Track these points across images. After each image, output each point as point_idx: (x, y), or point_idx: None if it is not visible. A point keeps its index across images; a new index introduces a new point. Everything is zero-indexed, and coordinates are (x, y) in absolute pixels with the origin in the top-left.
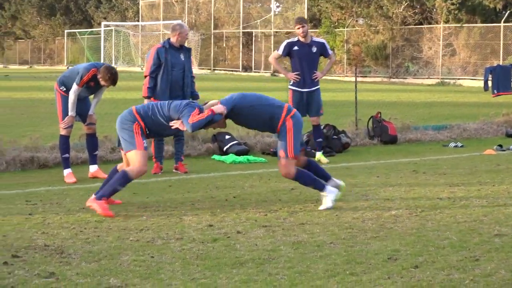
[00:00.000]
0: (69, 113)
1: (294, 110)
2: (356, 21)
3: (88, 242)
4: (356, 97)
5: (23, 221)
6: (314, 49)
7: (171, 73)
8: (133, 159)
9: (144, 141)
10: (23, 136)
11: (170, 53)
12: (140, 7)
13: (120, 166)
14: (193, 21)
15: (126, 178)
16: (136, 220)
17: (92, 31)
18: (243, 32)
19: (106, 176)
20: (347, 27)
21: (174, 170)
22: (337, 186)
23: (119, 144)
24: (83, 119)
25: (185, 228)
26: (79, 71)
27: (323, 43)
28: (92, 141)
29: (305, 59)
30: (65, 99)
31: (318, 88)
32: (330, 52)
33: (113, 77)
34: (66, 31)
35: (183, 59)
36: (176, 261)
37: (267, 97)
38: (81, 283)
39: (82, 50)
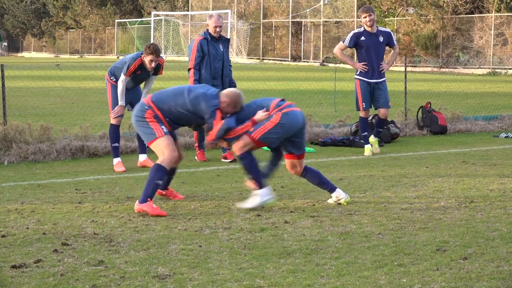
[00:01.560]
0: (119, 103)
1: (286, 106)
2: (406, 10)
3: (136, 231)
4: (405, 87)
5: (73, 210)
6: (381, 39)
7: (212, 65)
8: (158, 149)
9: (163, 127)
10: (74, 125)
11: (211, 44)
12: None
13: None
14: (242, 10)
15: (161, 170)
16: (185, 209)
17: (142, 20)
18: (292, 21)
19: None
20: (397, 17)
21: (222, 160)
22: (341, 199)
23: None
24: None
25: (233, 217)
26: (126, 61)
27: (389, 33)
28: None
29: (372, 49)
30: (115, 89)
31: (385, 80)
32: (395, 42)
33: (153, 47)
34: (116, 20)
35: (222, 49)
36: (224, 250)
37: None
38: (129, 271)
39: (132, 39)
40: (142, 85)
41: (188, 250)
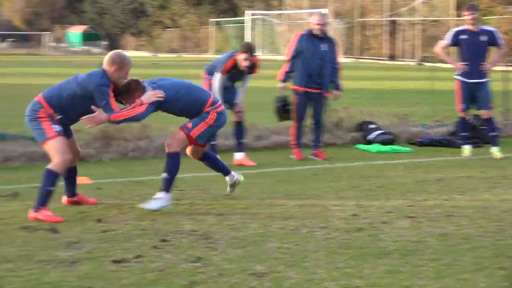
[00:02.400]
0: None
1: (220, 104)
2: (505, 8)
3: (234, 229)
4: (505, 87)
5: (171, 207)
6: (483, 38)
7: (309, 61)
8: (50, 151)
9: (55, 126)
10: (171, 123)
11: (311, 42)
12: None
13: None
14: (338, 9)
15: (52, 176)
16: (281, 208)
17: (237, 20)
18: (388, 20)
19: (252, 163)
20: (496, 15)
21: (310, 156)
22: (236, 181)
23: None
24: (230, 107)
25: (329, 217)
26: (221, 60)
27: (493, 32)
28: (239, 128)
29: (473, 48)
30: (211, 87)
31: (487, 81)
32: (501, 41)
33: (247, 45)
34: (212, 20)
35: (323, 48)
36: (320, 249)
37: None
38: (226, 268)
39: (228, 38)
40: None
41: (285, 248)
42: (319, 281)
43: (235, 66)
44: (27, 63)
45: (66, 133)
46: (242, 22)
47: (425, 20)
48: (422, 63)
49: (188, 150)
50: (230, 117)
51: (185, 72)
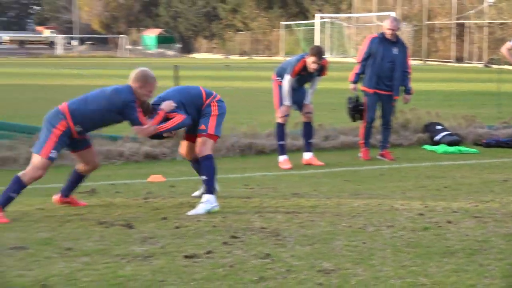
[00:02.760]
0: (284, 103)
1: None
2: None
3: (302, 226)
4: None
5: (242, 204)
6: None
7: (380, 64)
8: (34, 162)
9: (54, 151)
10: (242, 123)
11: (383, 45)
12: None
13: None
14: (406, 12)
15: (19, 184)
16: (349, 207)
17: (307, 23)
18: (456, 23)
19: (320, 163)
20: None
21: (378, 157)
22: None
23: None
24: (300, 108)
25: (396, 216)
26: (291, 62)
27: None
28: (308, 129)
29: None
30: (281, 89)
31: None
32: None
33: (316, 49)
34: (282, 23)
35: (395, 52)
36: (387, 248)
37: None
38: (295, 265)
39: (298, 41)
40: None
41: (352, 246)
42: (386, 278)
43: (304, 68)
44: (103, 65)
45: (83, 143)
46: (312, 25)
47: (492, 22)
48: (489, 65)
49: (184, 150)
50: (299, 117)
51: (256, 73)
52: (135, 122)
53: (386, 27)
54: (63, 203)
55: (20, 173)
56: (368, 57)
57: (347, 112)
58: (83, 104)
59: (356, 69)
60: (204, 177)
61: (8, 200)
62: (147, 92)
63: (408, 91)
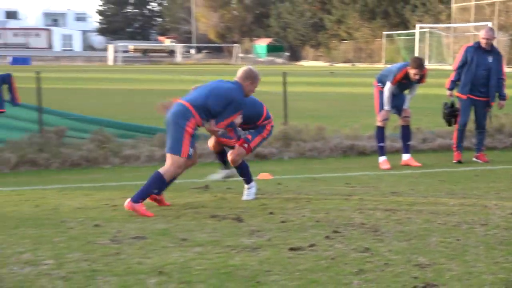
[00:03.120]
0: (385, 108)
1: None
2: None
3: (399, 223)
4: None
5: (343, 201)
6: None
7: (475, 72)
8: (173, 162)
9: (191, 148)
10: (345, 126)
11: (478, 53)
12: (452, 10)
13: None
14: (503, 22)
15: (161, 182)
16: (444, 206)
17: (407, 32)
18: None
19: (417, 164)
20: None
21: (474, 159)
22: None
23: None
24: (399, 112)
25: (489, 215)
26: (392, 70)
27: None
28: (406, 132)
29: None
30: (382, 95)
31: None
32: None
33: (418, 61)
34: (384, 33)
35: (490, 60)
36: (480, 245)
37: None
38: (392, 259)
39: (398, 50)
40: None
41: (447, 243)
42: (478, 274)
43: (405, 76)
44: (218, 72)
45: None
46: (412, 34)
47: None
48: None
49: (212, 143)
50: (398, 121)
51: (359, 80)
52: (221, 119)
53: (481, 36)
54: (152, 199)
55: (161, 171)
56: (463, 64)
57: (443, 117)
58: (204, 101)
59: (452, 76)
60: (243, 176)
61: (148, 195)
62: (254, 89)
63: (503, 97)
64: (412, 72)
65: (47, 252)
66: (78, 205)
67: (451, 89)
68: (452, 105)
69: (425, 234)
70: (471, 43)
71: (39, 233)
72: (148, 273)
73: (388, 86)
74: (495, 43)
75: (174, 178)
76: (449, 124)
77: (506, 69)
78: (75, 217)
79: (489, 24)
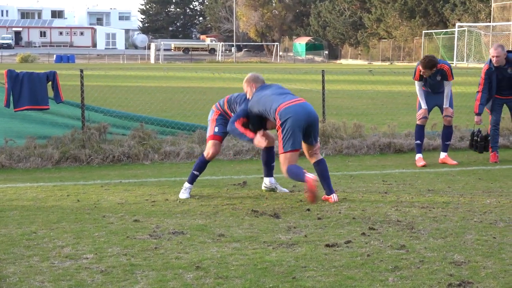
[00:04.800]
0: (422, 106)
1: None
2: None
3: (436, 220)
4: None
5: (380, 199)
6: None
7: (499, 85)
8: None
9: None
10: (383, 124)
11: (497, 71)
12: (492, 9)
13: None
14: None
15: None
16: (481, 204)
17: (446, 31)
18: None
19: (454, 162)
20: None
21: None
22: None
23: None
24: (441, 110)
25: None
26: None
27: None
28: (446, 131)
29: None
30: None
31: None
32: None
33: (425, 58)
34: (423, 31)
35: (510, 72)
36: None
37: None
38: (428, 256)
39: (437, 48)
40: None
41: (483, 240)
42: None
43: (421, 75)
44: (259, 70)
45: None
46: (451, 33)
47: None
48: None
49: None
50: (436, 119)
51: (396, 78)
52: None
53: (491, 54)
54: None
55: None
56: (488, 86)
57: (472, 146)
58: None
59: (479, 99)
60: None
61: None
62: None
63: None
64: (421, 70)
65: (87, 246)
66: (118, 201)
67: (479, 114)
68: (480, 132)
69: (461, 231)
70: (487, 66)
71: (80, 227)
72: (186, 268)
73: (416, 84)
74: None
75: None
76: (481, 152)
77: None
78: (115, 212)
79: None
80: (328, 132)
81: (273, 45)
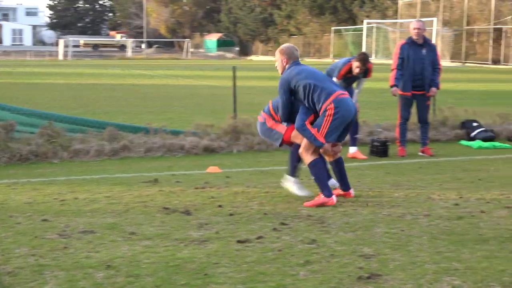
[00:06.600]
0: None
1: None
2: None
3: (345, 214)
4: None
5: (291, 194)
6: None
7: (412, 68)
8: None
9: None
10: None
11: (412, 49)
12: (399, 6)
13: None
14: (447, 18)
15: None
16: (389, 197)
17: (355, 28)
18: (493, 28)
19: (363, 157)
20: None
21: (420, 154)
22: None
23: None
24: None
25: (433, 206)
26: (338, 66)
27: None
28: (353, 126)
29: None
30: None
31: None
32: None
33: (361, 56)
34: (333, 28)
35: (424, 53)
36: (423, 235)
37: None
38: (338, 250)
39: (346, 45)
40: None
41: (391, 233)
42: (422, 263)
43: (350, 71)
44: (169, 66)
45: None
46: (359, 30)
47: None
48: None
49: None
50: None
51: None
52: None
53: (412, 27)
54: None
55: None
56: (402, 62)
57: (372, 152)
58: None
59: (393, 74)
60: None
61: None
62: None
63: (435, 85)
64: (355, 65)
65: None
66: (26, 200)
67: (395, 85)
68: (379, 138)
69: (370, 225)
70: (404, 41)
71: None
72: (96, 267)
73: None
74: (433, 37)
75: None
76: (381, 157)
77: (451, 63)
78: (23, 212)
79: (434, 19)
80: (239, 129)
81: (184, 41)
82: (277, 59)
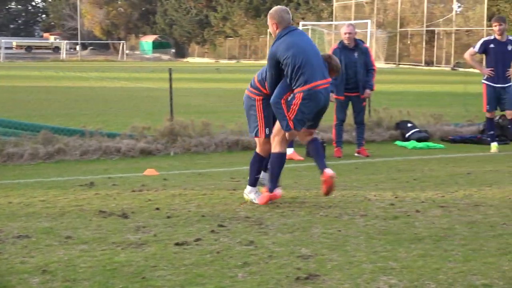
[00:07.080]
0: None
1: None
2: None
3: (283, 216)
4: None
5: (228, 195)
6: (510, 48)
7: (345, 72)
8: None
9: None
10: (230, 121)
11: (344, 53)
12: (334, 8)
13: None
14: (381, 20)
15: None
16: (326, 198)
17: None
18: (426, 30)
19: (300, 158)
20: None
21: (356, 154)
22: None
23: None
24: None
25: (369, 206)
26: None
27: None
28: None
29: (500, 56)
30: None
31: (511, 85)
32: None
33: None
34: (269, 30)
35: (356, 57)
36: (360, 235)
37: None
38: (276, 251)
39: None
40: None
41: (329, 234)
42: (359, 263)
43: None
44: (104, 68)
45: None
46: None
47: (459, 30)
48: (456, 68)
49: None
50: None
51: (244, 76)
52: None
53: (343, 32)
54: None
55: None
56: None
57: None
58: None
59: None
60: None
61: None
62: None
63: (369, 86)
64: None
65: None
66: None
67: (331, 90)
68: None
69: (308, 226)
70: (335, 45)
71: None
72: (31, 272)
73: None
74: (367, 39)
75: None
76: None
77: (385, 65)
78: None
79: (368, 21)
80: (176, 131)
81: (119, 43)
82: (268, 23)
